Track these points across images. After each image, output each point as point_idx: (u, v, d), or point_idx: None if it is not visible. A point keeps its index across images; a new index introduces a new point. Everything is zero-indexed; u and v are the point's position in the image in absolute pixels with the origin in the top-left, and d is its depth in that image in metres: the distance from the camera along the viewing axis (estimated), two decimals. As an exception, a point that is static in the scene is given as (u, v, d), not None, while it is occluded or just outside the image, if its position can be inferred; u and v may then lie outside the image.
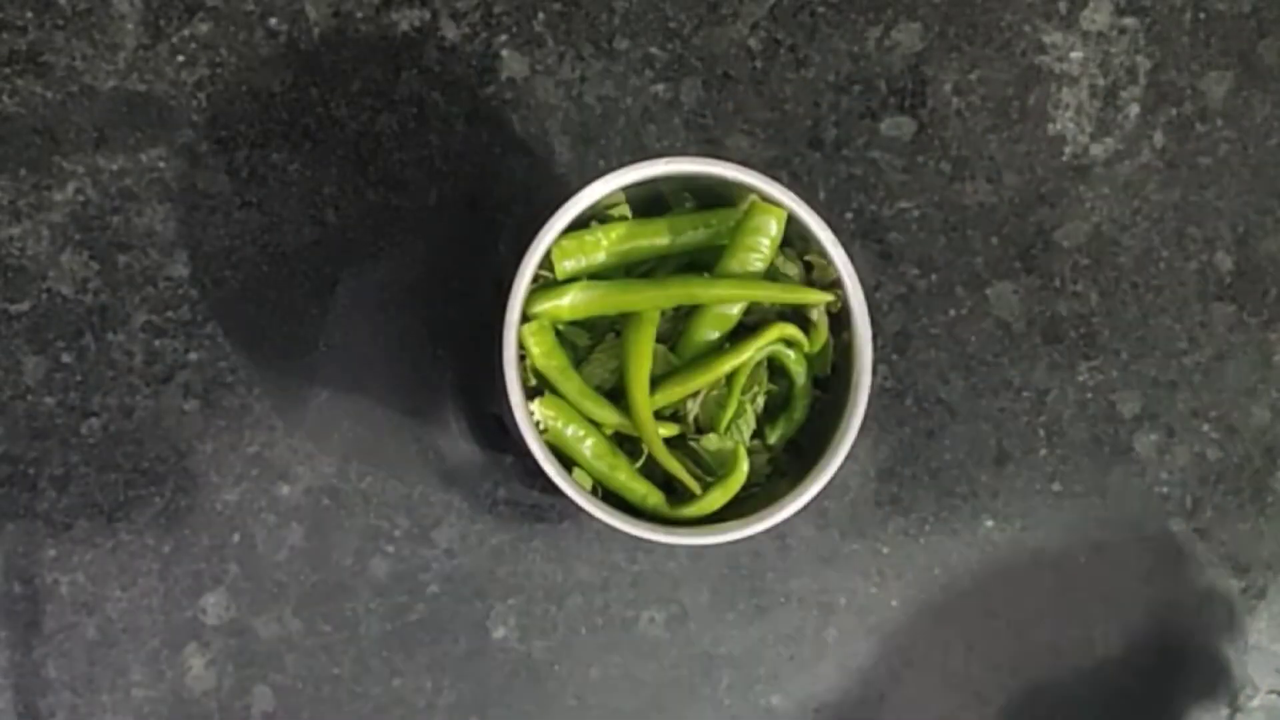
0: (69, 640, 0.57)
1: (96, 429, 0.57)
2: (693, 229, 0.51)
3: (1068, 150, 0.61)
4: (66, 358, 0.57)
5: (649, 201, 0.52)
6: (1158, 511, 0.61)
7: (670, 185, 0.52)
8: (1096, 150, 0.61)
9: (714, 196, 0.52)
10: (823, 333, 0.51)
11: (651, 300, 0.50)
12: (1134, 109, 0.61)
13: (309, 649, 0.57)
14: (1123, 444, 0.61)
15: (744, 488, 0.50)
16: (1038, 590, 0.60)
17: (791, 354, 0.51)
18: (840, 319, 0.51)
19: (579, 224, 0.50)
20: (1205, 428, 0.61)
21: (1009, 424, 0.60)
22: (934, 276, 0.60)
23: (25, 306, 0.57)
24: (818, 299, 0.51)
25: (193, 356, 0.57)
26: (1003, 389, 0.60)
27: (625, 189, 0.50)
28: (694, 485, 0.50)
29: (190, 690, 0.57)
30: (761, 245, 0.50)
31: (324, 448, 0.58)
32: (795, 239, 0.51)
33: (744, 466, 0.50)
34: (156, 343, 0.57)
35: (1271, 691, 0.61)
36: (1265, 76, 0.62)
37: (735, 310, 0.51)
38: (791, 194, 0.50)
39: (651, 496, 0.51)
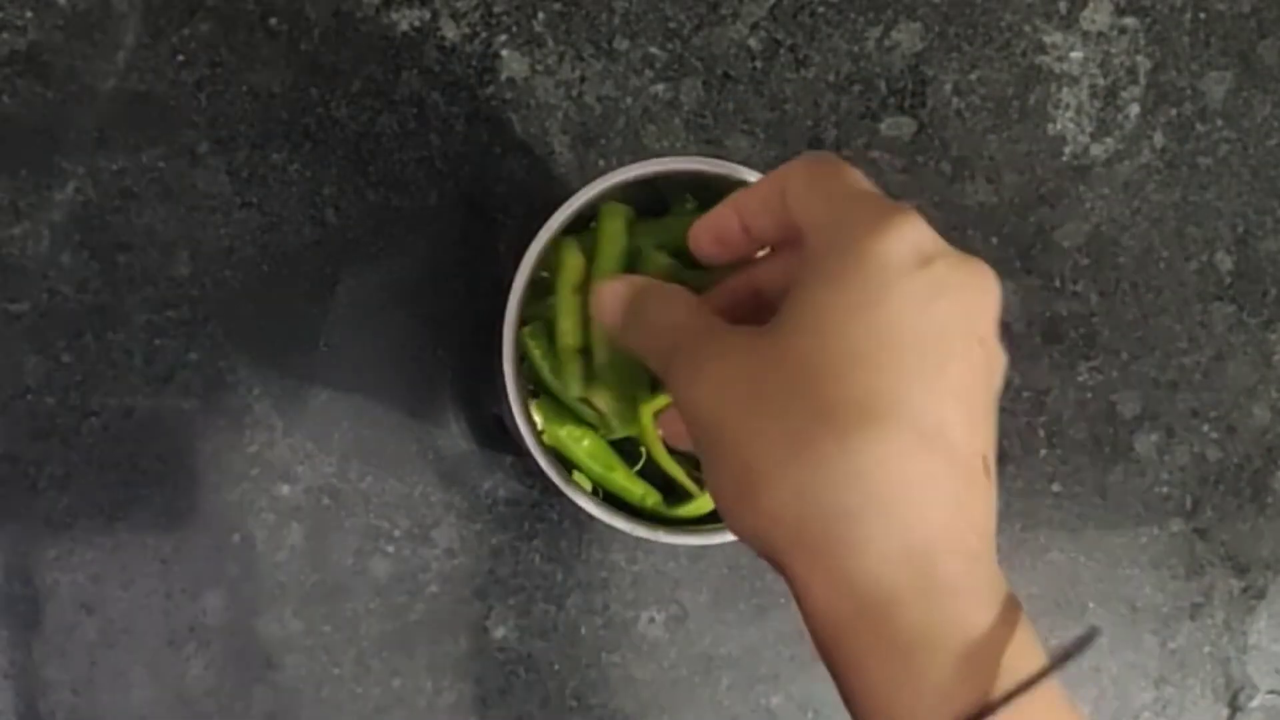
0: (69, 640, 0.57)
1: (97, 428, 0.57)
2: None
3: (1068, 150, 0.61)
4: (67, 357, 0.57)
5: (649, 202, 0.52)
6: (1158, 511, 0.61)
7: (670, 185, 0.52)
8: (1096, 150, 0.61)
9: (713, 196, 0.52)
10: None
11: None
12: (1134, 109, 0.61)
13: (309, 649, 0.57)
14: (1123, 444, 0.61)
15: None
16: (1038, 590, 0.60)
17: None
18: None
19: (578, 225, 0.50)
20: (1205, 428, 0.61)
21: (1009, 424, 0.60)
22: (934, 276, 0.60)
23: (26, 306, 0.57)
24: None
25: (193, 356, 0.57)
26: (1003, 389, 0.60)
27: (624, 188, 0.50)
28: (693, 487, 0.50)
29: (190, 690, 0.57)
30: None
31: (324, 448, 0.58)
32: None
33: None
34: (156, 342, 0.57)
35: (1271, 692, 0.61)
36: (1265, 77, 0.62)
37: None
38: None
39: (650, 497, 0.51)
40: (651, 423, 0.50)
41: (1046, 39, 0.61)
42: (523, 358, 0.50)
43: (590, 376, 0.48)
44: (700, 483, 0.50)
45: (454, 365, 0.59)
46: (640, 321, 0.40)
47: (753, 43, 0.60)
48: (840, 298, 0.34)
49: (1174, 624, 0.61)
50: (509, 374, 0.48)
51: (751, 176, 0.50)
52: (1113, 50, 0.61)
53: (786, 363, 0.35)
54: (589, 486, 0.50)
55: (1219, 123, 0.62)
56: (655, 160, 0.49)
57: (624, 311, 0.41)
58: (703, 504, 0.50)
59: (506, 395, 0.48)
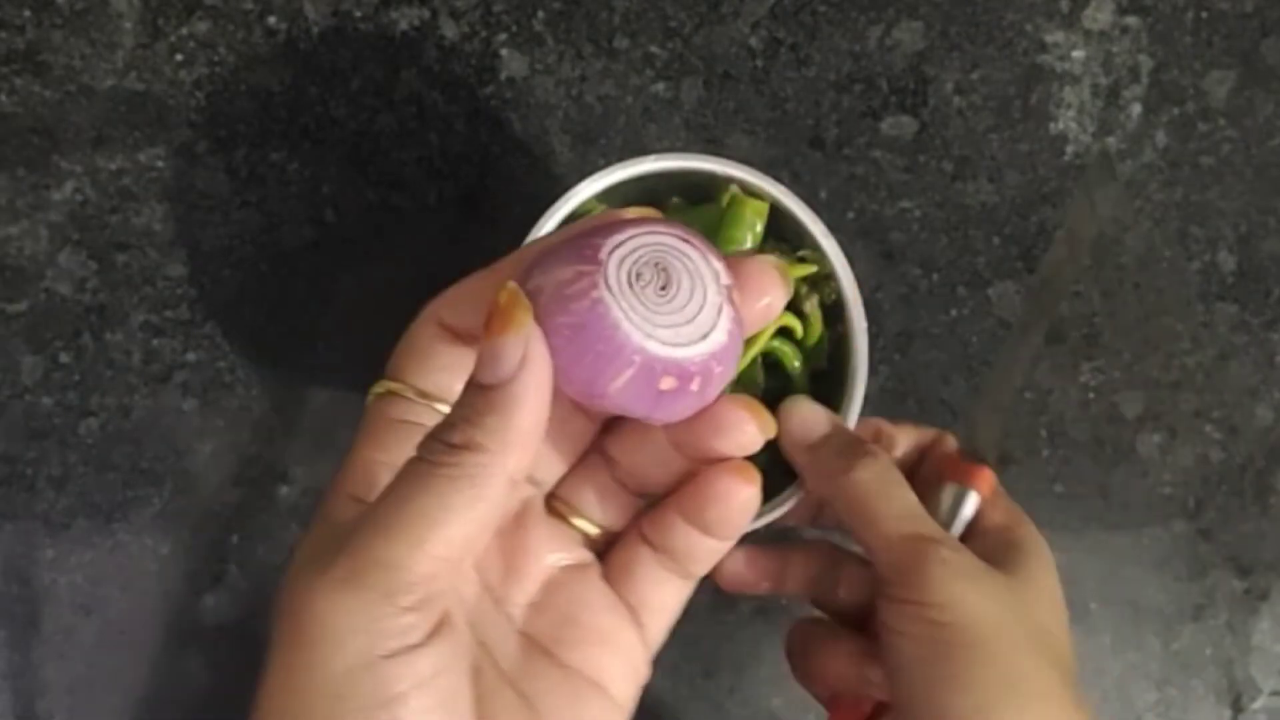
0: (68, 641, 0.56)
1: (95, 429, 0.57)
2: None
3: (1070, 149, 0.61)
4: (65, 357, 0.57)
5: (646, 203, 0.52)
6: (1160, 512, 0.61)
7: (661, 184, 0.51)
8: (1099, 150, 0.61)
9: (703, 195, 0.52)
10: (816, 325, 0.51)
11: None
12: (1136, 108, 0.61)
13: (308, 650, 0.57)
14: (1125, 444, 0.61)
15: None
16: (1040, 591, 0.60)
17: (788, 349, 0.51)
18: (835, 311, 0.51)
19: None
20: (1208, 428, 0.61)
21: (1012, 425, 0.60)
22: (936, 276, 0.60)
23: (24, 306, 0.57)
24: (801, 272, 0.51)
25: (191, 356, 0.57)
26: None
27: (616, 188, 0.50)
28: None
29: (190, 690, 0.57)
30: (745, 238, 0.50)
31: (324, 448, 0.58)
32: (790, 234, 0.51)
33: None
34: (155, 342, 0.57)
35: (1274, 693, 0.61)
36: (1267, 76, 0.62)
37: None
38: (779, 185, 0.49)
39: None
40: None
41: (1048, 38, 0.61)
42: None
43: None
44: None
45: (453, 365, 0.59)
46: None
47: (753, 41, 0.60)
48: None
49: (1177, 625, 0.61)
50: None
51: (747, 174, 0.50)
52: (1115, 49, 0.61)
53: None
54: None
55: (1221, 122, 0.61)
56: (643, 159, 0.49)
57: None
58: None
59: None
